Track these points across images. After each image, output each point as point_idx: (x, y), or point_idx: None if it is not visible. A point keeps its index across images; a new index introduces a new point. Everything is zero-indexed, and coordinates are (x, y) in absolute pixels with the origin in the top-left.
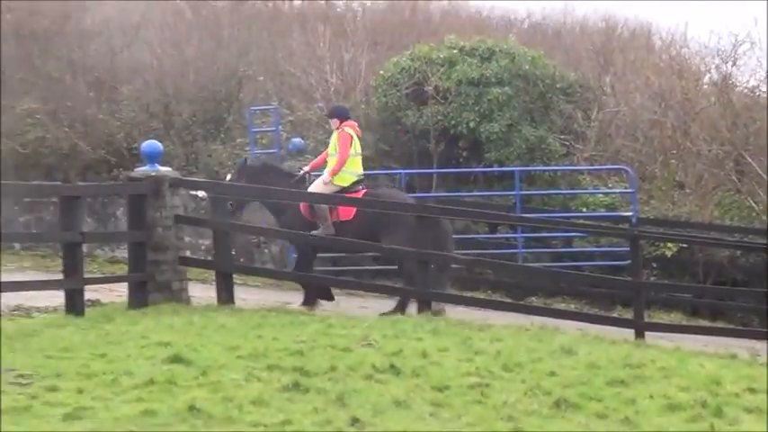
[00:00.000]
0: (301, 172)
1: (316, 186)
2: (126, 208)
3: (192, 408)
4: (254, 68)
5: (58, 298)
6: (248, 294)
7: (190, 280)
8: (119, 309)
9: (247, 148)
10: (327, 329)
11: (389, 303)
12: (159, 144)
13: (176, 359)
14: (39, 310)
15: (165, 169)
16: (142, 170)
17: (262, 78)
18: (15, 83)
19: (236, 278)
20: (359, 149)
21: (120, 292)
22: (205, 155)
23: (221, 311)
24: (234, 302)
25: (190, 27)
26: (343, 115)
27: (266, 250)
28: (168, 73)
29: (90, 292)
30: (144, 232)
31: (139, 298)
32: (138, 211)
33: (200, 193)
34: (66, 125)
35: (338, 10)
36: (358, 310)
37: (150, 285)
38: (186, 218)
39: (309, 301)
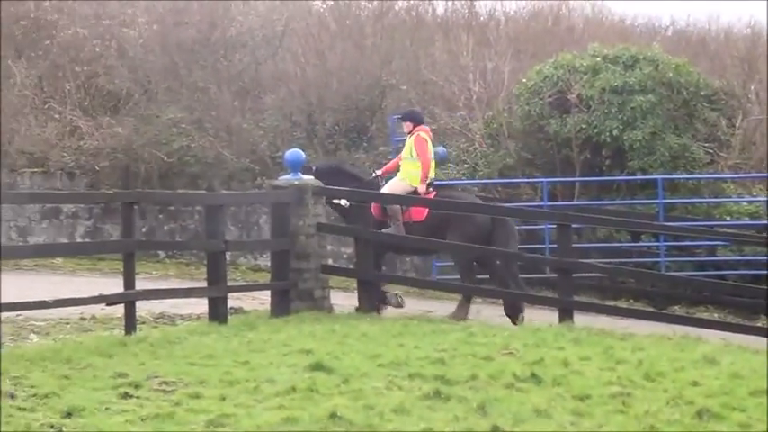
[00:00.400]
0: (373, 175)
1: (392, 187)
2: (269, 216)
3: (333, 415)
4: (396, 77)
5: (201, 306)
6: None
7: (332, 288)
8: (261, 316)
9: (390, 157)
10: (468, 338)
11: (531, 312)
12: (302, 153)
13: (318, 367)
14: (182, 317)
15: (307, 178)
16: (285, 179)
17: (404, 87)
18: (161, 92)
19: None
20: (433, 154)
21: (263, 300)
22: (348, 163)
23: (363, 320)
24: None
25: (333, 36)
26: (417, 119)
27: (408, 259)
28: (312, 82)
29: (233, 300)
30: (287, 240)
31: (282, 306)
32: (282, 219)
33: (343, 202)
34: (210, 134)
35: (481, 18)
36: (499, 319)
37: (293, 293)
38: (328, 226)
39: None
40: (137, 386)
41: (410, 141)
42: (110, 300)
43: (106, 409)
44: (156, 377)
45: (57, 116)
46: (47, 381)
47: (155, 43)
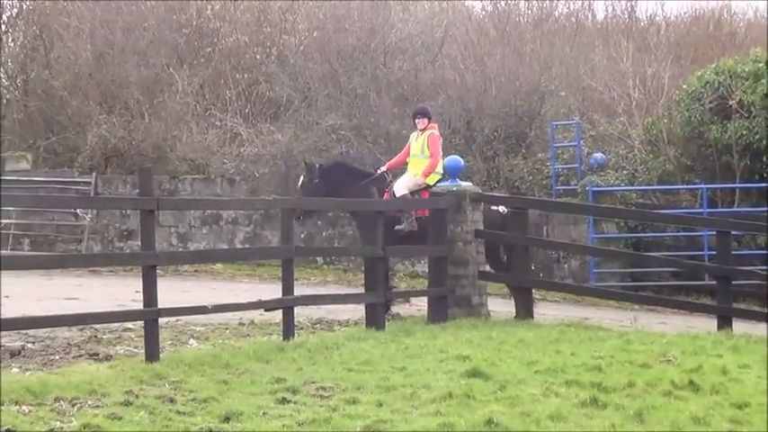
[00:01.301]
0: (378, 172)
1: (402, 184)
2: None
3: (489, 422)
4: (555, 83)
5: (359, 312)
6: (547, 309)
7: (489, 294)
8: (418, 323)
9: (548, 163)
10: (626, 345)
11: (689, 320)
12: (461, 159)
13: (475, 373)
14: (340, 323)
15: (465, 184)
16: (443, 185)
17: (563, 93)
18: (321, 99)
19: (535, 293)
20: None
21: (420, 306)
22: (506, 170)
23: (519, 326)
24: (532, 317)
25: (493, 43)
26: (431, 116)
27: (566, 265)
28: (471, 88)
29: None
30: (445, 247)
31: (439, 312)
32: (440, 225)
33: (501, 208)
34: (369, 141)
35: (641, 24)
36: (657, 326)
37: (450, 300)
38: (486, 232)
39: None
40: (294, 391)
41: (423, 137)
42: (268, 305)
43: (264, 414)
44: (314, 382)
45: (218, 123)
46: (206, 385)
47: (315, 50)
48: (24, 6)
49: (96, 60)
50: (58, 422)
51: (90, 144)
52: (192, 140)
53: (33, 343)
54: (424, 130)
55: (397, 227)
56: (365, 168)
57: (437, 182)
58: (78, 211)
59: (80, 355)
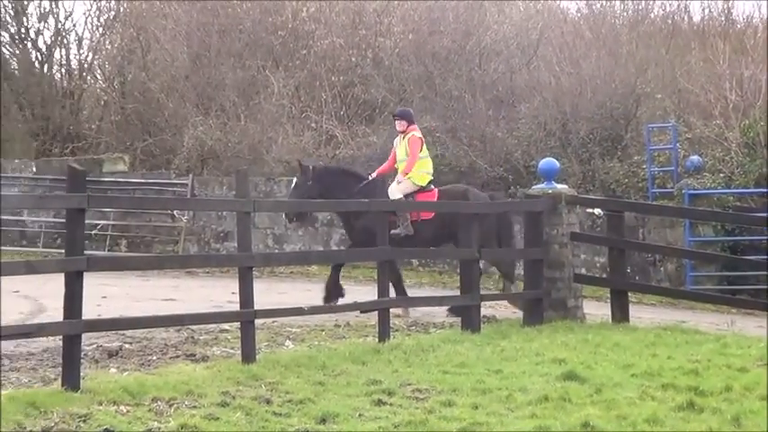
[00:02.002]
0: (370, 177)
1: (396, 188)
2: (522, 225)
3: (585, 425)
4: (651, 86)
5: None
6: (643, 312)
7: (584, 297)
8: (514, 325)
9: (644, 166)
10: (722, 349)
11: None
12: (556, 162)
13: (570, 376)
14: (435, 325)
15: (561, 187)
16: (539, 187)
17: (659, 96)
18: (416, 101)
19: (631, 296)
20: (426, 152)
21: (516, 309)
22: (602, 172)
23: (615, 329)
24: (628, 320)
25: (588, 45)
26: (411, 119)
27: (662, 268)
28: (566, 91)
29: (486, 309)
30: (540, 249)
31: (535, 315)
32: (535, 228)
33: (597, 211)
34: (465, 143)
35: (738, 26)
36: (754, 330)
37: (545, 302)
38: (582, 235)
39: None
40: (390, 393)
41: (404, 141)
42: (363, 307)
43: (359, 415)
44: (409, 384)
45: (313, 125)
46: (302, 387)
47: (410, 52)
48: (122, 9)
49: (193, 62)
50: (156, 422)
51: (186, 146)
52: (288, 142)
53: (131, 343)
54: (404, 132)
55: (392, 231)
56: (360, 173)
57: (429, 183)
58: (175, 212)
59: (177, 356)
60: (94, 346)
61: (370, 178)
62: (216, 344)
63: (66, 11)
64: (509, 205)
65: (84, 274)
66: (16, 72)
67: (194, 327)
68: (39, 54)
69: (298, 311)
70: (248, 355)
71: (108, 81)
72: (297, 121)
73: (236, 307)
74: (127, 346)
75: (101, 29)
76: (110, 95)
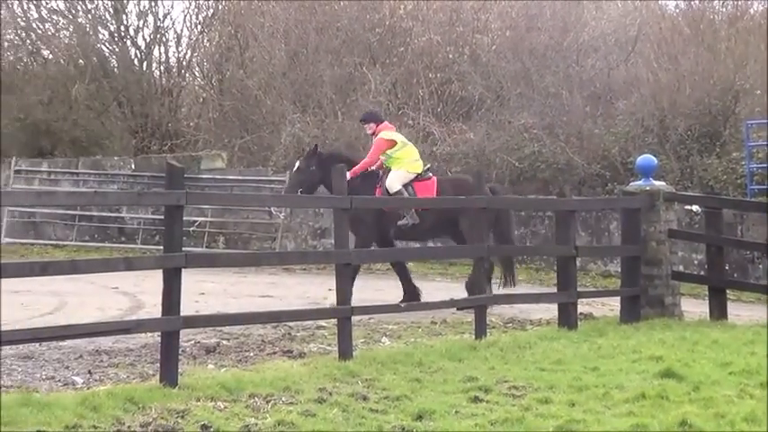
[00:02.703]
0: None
1: (394, 180)
2: (620, 222)
3: (683, 423)
4: (750, 81)
5: (551, 311)
6: (741, 310)
7: (682, 295)
8: (611, 323)
9: (743, 163)
10: None
11: None
12: (654, 158)
13: (668, 374)
14: (532, 322)
15: (659, 184)
16: (636, 185)
17: (759, 92)
18: (513, 98)
19: (729, 294)
20: (405, 140)
21: (612, 306)
22: (700, 169)
23: (713, 327)
24: (726, 318)
25: (686, 41)
26: (377, 119)
27: (760, 266)
28: (664, 87)
29: (583, 306)
30: (638, 246)
31: (632, 312)
32: (633, 225)
33: (695, 208)
34: (561, 139)
35: None
36: None
37: (643, 300)
38: (680, 232)
39: None
40: (486, 390)
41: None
42: (460, 304)
43: (456, 412)
44: (506, 381)
45: (410, 122)
46: (398, 383)
47: (507, 49)
48: (220, 7)
49: (290, 60)
50: (253, 418)
51: (284, 143)
52: None
53: (228, 340)
54: (373, 134)
55: (399, 222)
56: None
57: (427, 170)
58: (272, 209)
59: (274, 353)
60: (192, 342)
61: (369, 170)
62: (313, 340)
63: (165, 8)
64: (606, 202)
65: (182, 270)
66: (116, 70)
67: (291, 323)
68: (138, 52)
69: (394, 308)
70: (345, 351)
71: (206, 78)
72: (394, 118)
73: (332, 303)
74: (224, 342)
75: (199, 26)
76: (208, 93)
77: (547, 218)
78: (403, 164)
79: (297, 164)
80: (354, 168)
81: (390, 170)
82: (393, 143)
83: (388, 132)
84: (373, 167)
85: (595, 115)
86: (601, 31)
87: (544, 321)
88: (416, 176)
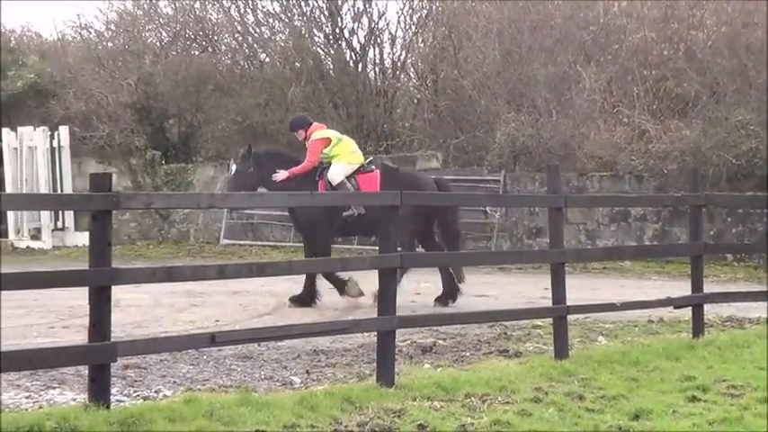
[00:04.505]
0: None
1: (336, 172)
2: None
3: None
4: None
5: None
6: None
7: None
8: None
9: None
10: None
11: None
12: None
13: None
14: (750, 321)
15: None
16: None
17: None
18: (729, 94)
19: None
20: (339, 134)
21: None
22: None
23: None
24: None
25: None
26: (304, 124)
27: None
28: None
29: None
30: None
31: None
32: None
33: None
34: None
35: None
36: None
37: None
38: None
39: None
40: (704, 389)
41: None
42: (677, 303)
43: (673, 412)
44: (724, 381)
45: (625, 120)
46: (615, 383)
47: (723, 45)
48: (434, 7)
49: (504, 59)
50: (469, 418)
51: (498, 142)
52: (600, 137)
53: (444, 339)
54: (305, 139)
55: (344, 213)
56: (299, 157)
57: (369, 162)
58: (488, 208)
59: (490, 352)
60: (408, 341)
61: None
62: (528, 340)
63: (379, 10)
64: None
65: (397, 270)
66: (331, 71)
67: (507, 323)
68: (353, 53)
69: (610, 307)
70: (561, 350)
71: (421, 79)
72: (608, 116)
73: (548, 303)
74: (440, 342)
75: (413, 27)
76: (422, 93)
77: (766, 215)
78: (343, 156)
79: (233, 167)
80: (295, 170)
81: (330, 163)
82: (328, 141)
83: (320, 132)
84: (285, 174)
85: None
86: None
87: (763, 320)
88: (359, 168)
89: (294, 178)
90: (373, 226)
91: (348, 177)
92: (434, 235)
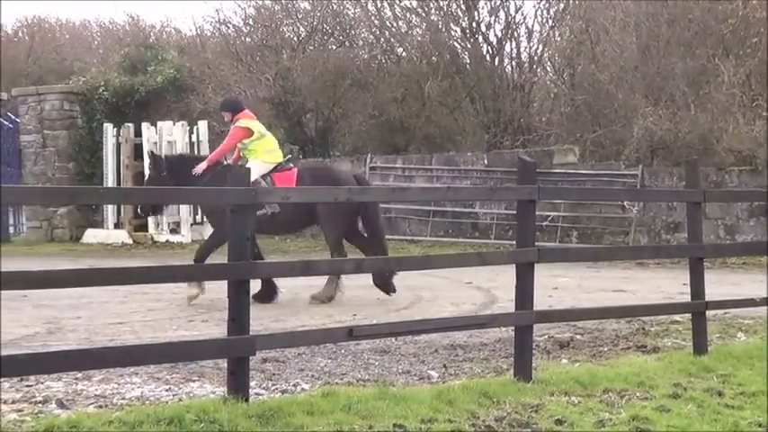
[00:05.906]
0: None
1: (255, 169)
2: None
3: None
4: None
5: None
6: None
7: None
8: None
9: None
10: None
11: None
12: None
13: None
14: None
15: None
16: None
17: None
18: None
19: None
20: (264, 130)
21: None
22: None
23: None
24: None
25: None
26: (235, 107)
27: None
28: None
29: None
30: None
31: None
32: None
33: None
34: None
35: None
36: None
37: None
38: None
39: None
40: None
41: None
42: None
43: None
44: None
45: (764, 114)
46: (754, 379)
47: None
48: (571, 1)
49: (641, 53)
50: (607, 413)
51: (636, 137)
52: (739, 132)
53: (582, 335)
54: (232, 121)
55: (258, 212)
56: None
57: (287, 160)
58: (625, 203)
59: (628, 347)
60: (546, 336)
61: (198, 170)
62: (667, 335)
63: (516, 4)
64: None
65: (535, 265)
66: (468, 66)
67: (645, 318)
68: (489, 47)
69: (749, 303)
70: (699, 346)
71: (558, 73)
72: (747, 110)
73: (686, 298)
74: (578, 337)
75: (550, 21)
76: (559, 87)
77: None
78: (259, 154)
79: (147, 173)
80: (210, 156)
81: (247, 161)
82: (250, 132)
83: (245, 120)
84: (229, 161)
85: None
86: None
87: None
88: (276, 167)
89: (206, 173)
90: (286, 225)
91: (264, 176)
92: (359, 231)
